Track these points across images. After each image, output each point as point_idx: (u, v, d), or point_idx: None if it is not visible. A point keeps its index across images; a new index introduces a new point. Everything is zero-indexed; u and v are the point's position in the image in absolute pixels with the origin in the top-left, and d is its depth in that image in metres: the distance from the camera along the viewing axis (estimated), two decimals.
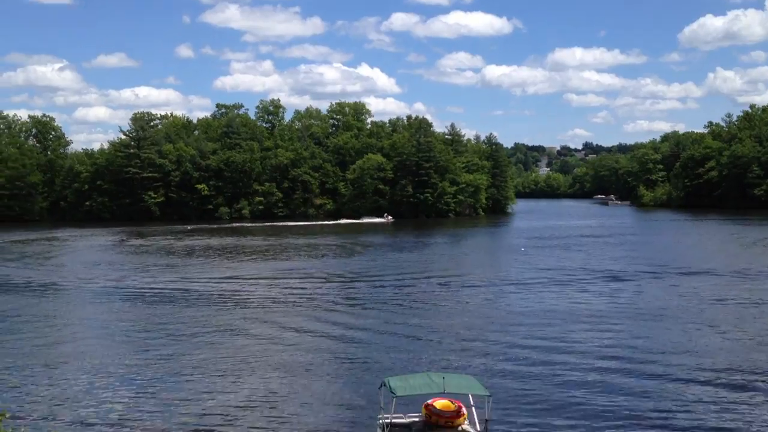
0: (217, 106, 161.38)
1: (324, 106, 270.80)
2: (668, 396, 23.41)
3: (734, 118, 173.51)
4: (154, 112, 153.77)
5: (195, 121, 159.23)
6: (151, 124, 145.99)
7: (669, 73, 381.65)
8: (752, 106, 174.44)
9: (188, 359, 28.93)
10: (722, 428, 20.72)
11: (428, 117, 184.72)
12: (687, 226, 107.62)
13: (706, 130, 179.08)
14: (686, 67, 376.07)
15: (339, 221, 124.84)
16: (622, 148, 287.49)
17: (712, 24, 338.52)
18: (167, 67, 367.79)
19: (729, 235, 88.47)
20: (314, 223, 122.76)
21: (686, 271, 53.09)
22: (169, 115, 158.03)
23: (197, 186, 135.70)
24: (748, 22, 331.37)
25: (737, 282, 47.70)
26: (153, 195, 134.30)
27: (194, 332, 34.05)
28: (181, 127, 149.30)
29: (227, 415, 22.32)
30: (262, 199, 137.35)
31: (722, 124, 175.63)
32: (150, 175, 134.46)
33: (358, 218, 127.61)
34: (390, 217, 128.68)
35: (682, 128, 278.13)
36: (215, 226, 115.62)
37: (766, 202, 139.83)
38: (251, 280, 52.15)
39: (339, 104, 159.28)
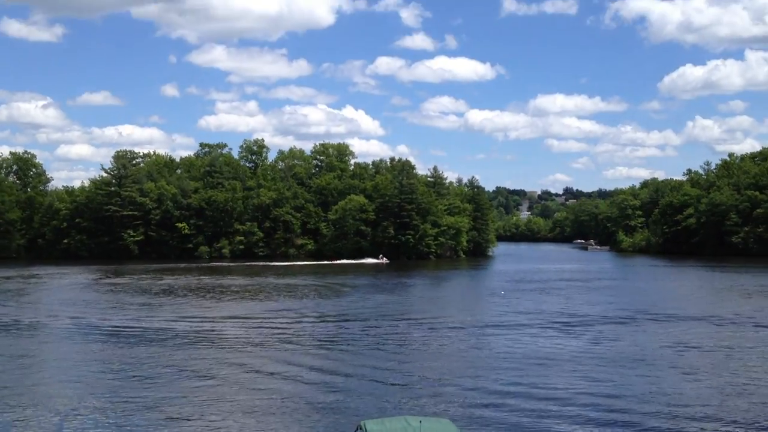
0: (201, 145, 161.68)
1: (308, 146, 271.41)
2: None
3: (713, 166, 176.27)
4: (136, 150, 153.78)
5: (178, 159, 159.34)
6: (133, 162, 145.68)
7: (648, 121, 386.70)
8: (731, 155, 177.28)
9: (161, 402, 28.47)
10: None
11: (411, 159, 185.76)
12: (665, 272, 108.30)
13: (684, 178, 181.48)
14: (665, 116, 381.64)
15: (338, 261, 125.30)
16: (602, 194, 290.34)
17: (691, 73, 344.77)
18: (152, 105, 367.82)
19: (706, 282, 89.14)
20: (303, 263, 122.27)
21: (663, 317, 53.28)
22: (152, 153, 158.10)
23: (177, 225, 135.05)
24: (727, 72, 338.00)
25: (713, 329, 47.91)
26: (132, 233, 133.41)
27: (167, 374, 33.60)
28: (163, 166, 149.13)
29: None
30: (242, 238, 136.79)
31: (701, 171, 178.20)
32: (130, 213, 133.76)
33: (357, 258, 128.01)
34: (384, 258, 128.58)
35: (661, 175, 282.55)
36: (195, 265, 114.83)
37: (744, 250, 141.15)
38: (228, 321, 51.68)
39: (323, 145, 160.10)
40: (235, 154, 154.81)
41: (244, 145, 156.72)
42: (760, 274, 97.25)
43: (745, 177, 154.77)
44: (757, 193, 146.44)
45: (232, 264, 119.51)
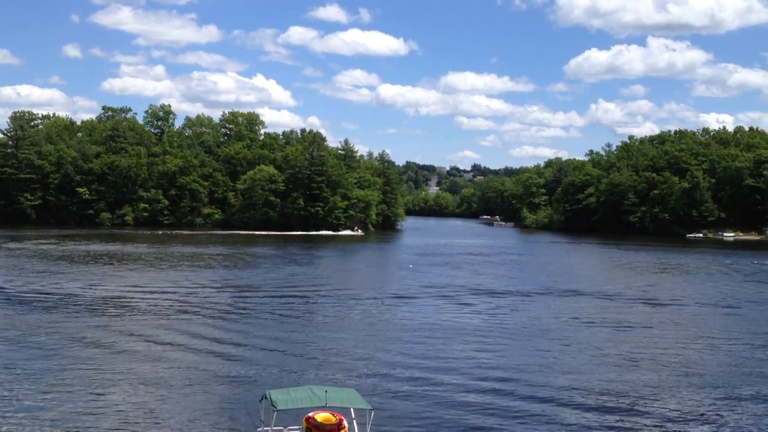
0: (104, 108, 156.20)
1: (216, 114, 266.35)
2: (544, 416, 24.25)
3: (613, 148, 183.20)
4: (35, 111, 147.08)
5: (79, 122, 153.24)
6: (32, 123, 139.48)
7: (554, 102, 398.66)
8: (630, 137, 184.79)
9: (62, 374, 27.59)
10: None
11: (322, 131, 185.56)
12: (565, 248, 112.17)
13: (587, 158, 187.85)
14: (571, 97, 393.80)
15: (318, 232, 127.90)
16: (509, 172, 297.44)
17: (596, 57, 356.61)
18: (53, 66, 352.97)
19: (604, 259, 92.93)
20: (239, 232, 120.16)
21: (562, 292, 55.36)
22: (52, 115, 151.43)
23: (78, 189, 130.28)
24: (630, 58, 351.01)
25: (607, 304, 50.11)
26: (30, 197, 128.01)
27: (68, 345, 32.59)
28: (63, 129, 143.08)
29: (100, 430, 21.46)
30: (147, 206, 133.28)
31: (602, 153, 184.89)
32: (27, 176, 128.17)
33: (335, 230, 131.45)
34: (360, 230, 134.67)
35: (564, 155, 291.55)
36: (96, 231, 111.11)
37: (640, 229, 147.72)
38: (132, 290, 50.37)
39: (232, 113, 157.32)
40: (140, 120, 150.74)
41: (150, 111, 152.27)
42: (655, 252, 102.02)
43: (643, 159, 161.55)
44: (654, 174, 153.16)
45: (135, 231, 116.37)
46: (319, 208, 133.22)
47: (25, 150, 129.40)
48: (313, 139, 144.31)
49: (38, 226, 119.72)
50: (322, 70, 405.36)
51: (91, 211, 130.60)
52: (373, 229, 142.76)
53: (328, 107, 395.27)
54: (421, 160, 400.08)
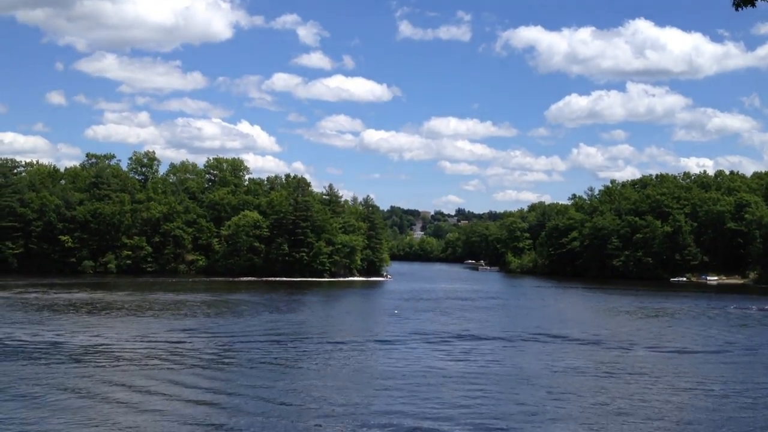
0: (88, 155, 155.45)
1: (201, 161, 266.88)
2: None
3: (596, 192, 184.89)
4: (18, 159, 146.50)
5: (63, 170, 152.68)
6: (15, 171, 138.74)
7: (536, 147, 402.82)
8: (612, 181, 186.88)
9: (45, 425, 27.10)
10: None
11: (307, 176, 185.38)
12: (550, 293, 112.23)
13: (569, 202, 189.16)
14: (552, 142, 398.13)
15: (351, 278, 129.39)
16: (492, 216, 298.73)
17: (577, 103, 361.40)
18: (36, 113, 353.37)
19: (588, 303, 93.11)
20: (212, 279, 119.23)
21: (546, 338, 55.31)
22: (35, 162, 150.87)
23: (60, 237, 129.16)
24: (610, 103, 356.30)
25: (592, 350, 50.11)
26: (11, 246, 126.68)
27: (50, 395, 32.04)
28: (46, 176, 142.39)
29: None
30: (130, 252, 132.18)
31: (585, 197, 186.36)
32: (9, 224, 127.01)
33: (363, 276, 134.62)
34: (390, 276, 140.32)
35: (547, 199, 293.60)
36: (79, 280, 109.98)
37: (624, 273, 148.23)
38: (115, 339, 49.71)
39: (216, 159, 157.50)
40: (124, 166, 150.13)
41: (134, 157, 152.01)
42: (638, 296, 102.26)
43: (625, 203, 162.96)
44: (636, 218, 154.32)
45: (118, 279, 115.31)
46: (304, 254, 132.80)
47: (7, 198, 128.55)
48: (297, 185, 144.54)
49: (20, 274, 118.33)
50: (306, 115, 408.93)
51: (74, 259, 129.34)
52: (357, 275, 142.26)
53: (313, 152, 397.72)
54: (405, 205, 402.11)
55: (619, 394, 34.73)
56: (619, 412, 30.98)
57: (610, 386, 36.92)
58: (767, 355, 48.48)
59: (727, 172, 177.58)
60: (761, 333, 61.62)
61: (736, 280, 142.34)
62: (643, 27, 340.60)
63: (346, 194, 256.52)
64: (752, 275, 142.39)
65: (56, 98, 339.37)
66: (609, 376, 39.59)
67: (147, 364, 40.44)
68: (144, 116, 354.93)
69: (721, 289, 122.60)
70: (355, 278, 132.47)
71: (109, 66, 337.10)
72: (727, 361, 45.98)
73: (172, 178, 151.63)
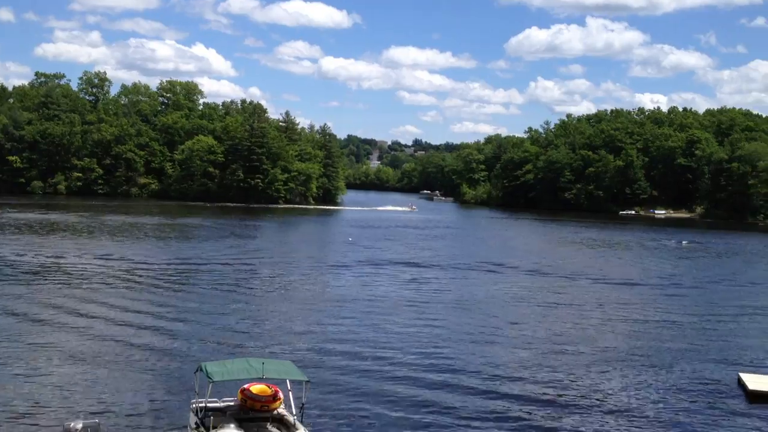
0: (37, 74, 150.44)
1: (154, 83, 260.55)
2: (472, 387, 24.90)
3: (551, 126, 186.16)
4: None
5: (10, 88, 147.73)
6: None
7: (495, 79, 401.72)
8: (568, 116, 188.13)
9: None
10: (524, 419, 22.35)
11: (263, 103, 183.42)
12: (503, 224, 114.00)
13: (525, 135, 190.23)
14: (511, 75, 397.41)
15: (364, 208, 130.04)
16: (449, 147, 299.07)
17: (536, 36, 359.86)
18: None
19: (539, 234, 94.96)
20: (205, 203, 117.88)
21: (496, 267, 56.50)
22: None
23: (9, 158, 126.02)
24: (569, 37, 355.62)
25: (539, 279, 51.45)
26: None
27: None
28: None
29: (33, 405, 21.16)
30: (80, 174, 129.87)
31: (540, 130, 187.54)
32: None
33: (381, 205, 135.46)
34: (414, 207, 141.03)
35: (504, 132, 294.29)
36: (27, 200, 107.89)
37: (575, 205, 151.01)
38: (63, 260, 49.24)
39: (170, 82, 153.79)
40: (75, 86, 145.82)
41: (85, 77, 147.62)
42: (588, 228, 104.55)
43: (580, 137, 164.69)
44: (590, 152, 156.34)
45: (68, 201, 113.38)
46: (259, 180, 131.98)
47: None
48: (253, 111, 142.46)
49: None
50: (263, 40, 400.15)
51: (22, 180, 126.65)
52: (313, 202, 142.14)
53: (270, 78, 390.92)
54: (362, 134, 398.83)
55: (559, 322, 35.90)
56: (558, 340, 32.09)
57: (552, 314, 38.12)
58: (704, 287, 50.35)
59: (681, 109, 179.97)
60: (701, 265, 63.82)
61: (683, 214, 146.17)
62: None
63: (303, 122, 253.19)
64: (699, 210, 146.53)
65: (4, 15, 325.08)
66: (552, 306, 40.81)
67: (95, 287, 40.23)
68: (95, 35, 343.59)
69: (668, 223, 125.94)
70: (311, 206, 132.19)
71: None
72: (663, 292, 47.65)
73: (124, 100, 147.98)
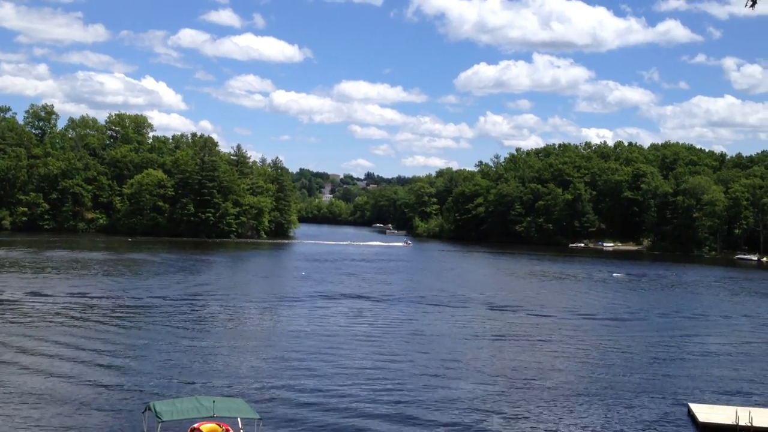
0: None
1: (102, 116, 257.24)
2: (429, 422, 24.85)
3: (501, 160, 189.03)
4: None
5: None
6: None
7: (445, 114, 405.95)
8: (518, 150, 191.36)
9: None
10: None
11: (214, 136, 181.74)
12: (455, 257, 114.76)
13: (476, 169, 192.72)
14: (461, 109, 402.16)
15: (369, 242, 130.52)
16: (401, 181, 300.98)
17: (485, 72, 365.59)
18: None
19: (490, 267, 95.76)
20: (120, 238, 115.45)
21: (451, 300, 56.81)
22: None
23: None
24: (517, 73, 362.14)
25: (488, 313, 51.91)
26: None
27: None
28: None
29: None
30: (26, 209, 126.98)
31: (491, 164, 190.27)
32: None
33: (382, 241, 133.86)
34: (409, 243, 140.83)
35: (455, 165, 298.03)
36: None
37: (526, 238, 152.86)
38: (7, 297, 47.88)
39: (119, 115, 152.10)
40: (20, 120, 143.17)
41: (31, 111, 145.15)
42: (539, 261, 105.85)
43: (529, 171, 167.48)
44: (539, 186, 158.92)
45: (13, 237, 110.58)
46: (210, 215, 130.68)
47: None
48: (204, 144, 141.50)
49: None
50: (214, 74, 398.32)
51: None
52: (265, 236, 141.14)
53: (221, 112, 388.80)
54: (314, 168, 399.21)
55: (510, 356, 36.13)
56: (510, 375, 32.27)
57: (505, 348, 38.37)
58: (650, 318, 51.29)
59: (626, 143, 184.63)
60: (644, 297, 65.06)
61: (630, 247, 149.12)
62: None
63: (254, 155, 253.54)
64: (646, 242, 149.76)
65: None
66: (505, 339, 41.10)
67: (40, 324, 39.19)
68: (42, 68, 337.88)
69: (616, 255, 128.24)
70: (263, 240, 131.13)
71: (6, 15, 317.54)
72: (612, 325, 48.41)
73: (71, 133, 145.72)
